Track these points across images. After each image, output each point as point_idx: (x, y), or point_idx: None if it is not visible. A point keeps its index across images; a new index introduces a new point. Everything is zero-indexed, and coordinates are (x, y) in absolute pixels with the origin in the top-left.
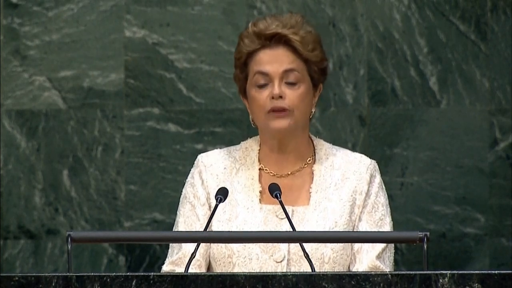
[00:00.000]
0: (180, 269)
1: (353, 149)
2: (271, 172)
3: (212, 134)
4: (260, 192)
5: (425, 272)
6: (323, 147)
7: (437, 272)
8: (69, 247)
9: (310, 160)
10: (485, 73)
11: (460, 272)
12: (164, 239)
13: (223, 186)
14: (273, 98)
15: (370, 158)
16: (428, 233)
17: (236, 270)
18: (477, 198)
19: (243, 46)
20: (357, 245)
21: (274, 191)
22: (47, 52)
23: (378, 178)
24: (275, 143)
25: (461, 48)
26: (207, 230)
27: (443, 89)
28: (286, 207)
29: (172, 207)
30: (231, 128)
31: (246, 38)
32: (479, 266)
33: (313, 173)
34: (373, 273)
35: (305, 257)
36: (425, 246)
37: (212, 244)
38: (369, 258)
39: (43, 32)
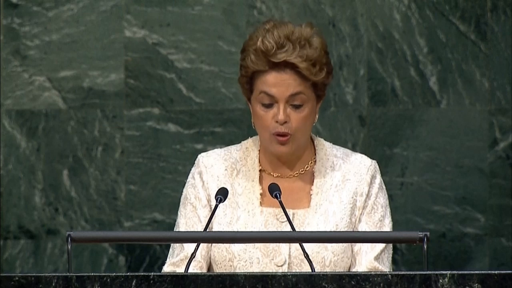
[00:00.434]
0: (181, 271)
1: (353, 149)
2: (271, 174)
3: (212, 134)
4: (261, 194)
5: (425, 272)
6: (324, 147)
7: (437, 272)
8: (69, 247)
9: (311, 162)
10: (485, 73)
11: (460, 272)
12: (164, 239)
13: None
14: (277, 122)
15: (370, 158)
16: (428, 233)
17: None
18: (477, 198)
19: (249, 62)
20: (356, 247)
21: (274, 191)
22: (47, 52)
23: (378, 179)
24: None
25: (461, 48)
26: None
27: (443, 89)
28: (287, 210)
29: (172, 207)
30: (231, 128)
31: (253, 54)
32: (479, 266)
33: (313, 175)
34: (373, 273)
35: (305, 257)
36: (425, 246)
37: (213, 247)
38: (367, 260)
39: (43, 32)
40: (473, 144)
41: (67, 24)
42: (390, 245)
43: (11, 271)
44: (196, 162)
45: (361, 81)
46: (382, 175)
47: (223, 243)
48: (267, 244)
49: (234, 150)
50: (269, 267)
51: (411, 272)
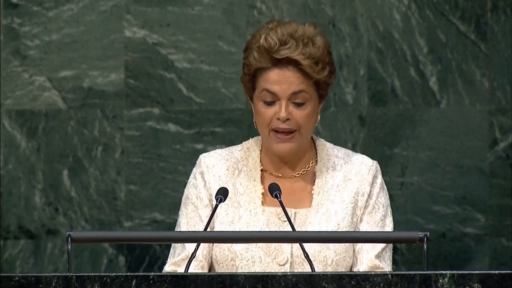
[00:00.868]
0: (182, 270)
1: (353, 149)
2: (273, 174)
3: (212, 134)
4: (262, 194)
5: (425, 272)
6: (325, 147)
7: (437, 272)
8: (69, 247)
9: (312, 162)
10: (485, 73)
11: (460, 272)
12: (164, 239)
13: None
14: (278, 119)
15: (370, 158)
16: (428, 233)
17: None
18: (477, 198)
19: (252, 60)
20: (358, 246)
21: (274, 191)
22: (47, 52)
23: (379, 179)
24: (276, 157)
25: (461, 48)
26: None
27: (443, 89)
28: (288, 209)
29: (172, 207)
30: (231, 128)
31: (256, 51)
32: (479, 266)
33: (315, 175)
34: (373, 273)
35: (305, 257)
36: (425, 246)
37: (215, 246)
38: (368, 258)
39: (43, 32)
40: (473, 144)
41: (67, 24)
42: (391, 244)
43: (11, 271)
44: (197, 162)
45: (361, 81)
46: (382, 175)
47: (223, 243)
48: (269, 243)
49: (235, 150)
50: (271, 266)
51: (411, 272)
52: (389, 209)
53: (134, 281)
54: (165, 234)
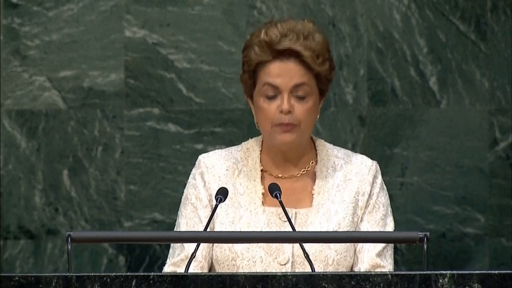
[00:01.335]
0: (182, 271)
1: (353, 149)
2: (273, 174)
3: (212, 134)
4: (263, 194)
5: (425, 272)
6: (325, 148)
7: (437, 272)
8: (69, 247)
9: (312, 162)
10: (485, 73)
11: (460, 272)
12: (164, 239)
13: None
14: (281, 112)
15: (370, 158)
16: (428, 233)
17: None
18: (477, 198)
19: (253, 54)
20: (359, 246)
21: (274, 191)
22: (47, 52)
23: (379, 179)
24: (278, 152)
25: (461, 48)
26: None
27: (443, 89)
28: (289, 209)
29: (172, 207)
30: (231, 128)
31: (257, 46)
32: (479, 266)
33: (315, 175)
34: (373, 273)
35: (305, 257)
36: (425, 246)
37: (215, 246)
38: (369, 257)
39: (43, 32)
40: (473, 144)
41: (67, 24)
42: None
43: (11, 271)
44: (197, 163)
45: (361, 81)
46: (382, 175)
47: (223, 243)
48: (270, 243)
49: (235, 151)
50: (272, 266)
51: (411, 272)
52: (390, 209)
53: (134, 281)
54: (165, 234)
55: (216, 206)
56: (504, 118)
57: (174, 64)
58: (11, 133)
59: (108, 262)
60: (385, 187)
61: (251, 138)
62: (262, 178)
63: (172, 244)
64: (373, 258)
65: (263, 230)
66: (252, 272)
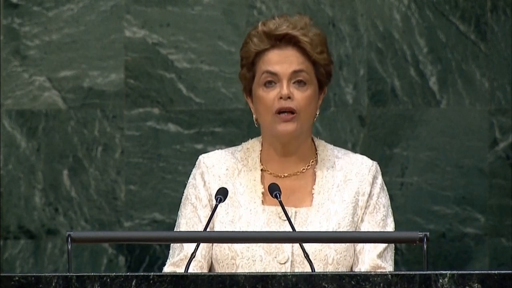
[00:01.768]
0: (182, 271)
1: (353, 149)
2: (273, 173)
3: (212, 134)
4: (263, 193)
5: (425, 272)
6: (325, 148)
7: (437, 272)
8: (69, 247)
9: (312, 161)
10: (485, 73)
11: (460, 272)
12: (164, 239)
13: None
14: (281, 98)
15: (370, 158)
16: (428, 233)
17: (240, 272)
18: (477, 198)
19: (252, 45)
20: (359, 246)
21: (273, 191)
22: (47, 52)
23: (380, 180)
24: (279, 146)
25: (461, 48)
26: (209, 230)
27: (443, 89)
28: (289, 208)
29: (172, 207)
30: (231, 128)
31: (255, 37)
32: (479, 266)
33: (315, 175)
34: (373, 273)
35: (305, 257)
36: (425, 246)
37: (215, 246)
38: (370, 258)
39: (43, 32)
40: (473, 144)
41: (67, 24)
42: (392, 244)
43: (11, 271)
44: (197, 163)
45: (361, 81)
46: (382, 175)
47: (223, 243)
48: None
49: (235, 151)
50: (272, 265)
51: (411, 272)
52: (390, 209)
53: (134, 281)
54: (165, 234)
55: (216, 206)
56: (504, 118)
57: (174, 64)
58: (11, 133)
59: (108, 262)
60: (385, 187)
61: (251, 139)
62: (262, 177)
63: (172, 244)
64: (373, 259)
65: (263, 229)
66: (252, 272)
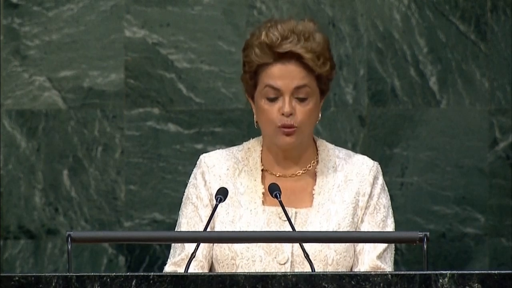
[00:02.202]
0: (182, 270)
1: (353, 149)
2: (274, 174)
3: (212, 134)
4: (263, 193)
5: (425, 272)
6: (326, 148)
7: (437, 272)
8: (69, 247)
9: (313, 162)
10: (485, 73)
11: (460, 272)
12: (164, 239)
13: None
14: (283, 114)
15: (370, 158)
16: (428, 233)
17: (240, 271)
18: (477, 198)
19: (254, 56)
20: (359, 247)
21: (273, 191)
22: (47, 52)
23: (380, 180)
24: (279, 151)
25: (461, 48)
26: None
27: (443, 89)
28: (289, 209)
29: (172, 207)
30: (231, 128)
31: (258, 47)
32: (479, 266)
33: (316, 175)
34: (373, 273)
35: (305, 257)
36: (425, 246)
37: (215, 246)
38: (370, 259)
39: (43, 32)
40: (473, 144)
41: (67, 24)
42: (393, 245)
43: (11, 271)
44: (198, 162)
45: (361, 81)
46: (382, 175)
47: (223, 243)
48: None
49: (236, 151)
50: (272, 265)
51: (411, 272)
52: (390, 210)
53: (134, 281)
54: (165, 234)
55: (216, 206)
56: (504, 118)
57: (174, 64)
58: (11, 133)
59: (108, 262)
60: (386, 188)
61: (252, 138)
62: (262, 177)
63: (172, 244)
64: (373, 260)
65: (263, 229)
66: (252, 272)
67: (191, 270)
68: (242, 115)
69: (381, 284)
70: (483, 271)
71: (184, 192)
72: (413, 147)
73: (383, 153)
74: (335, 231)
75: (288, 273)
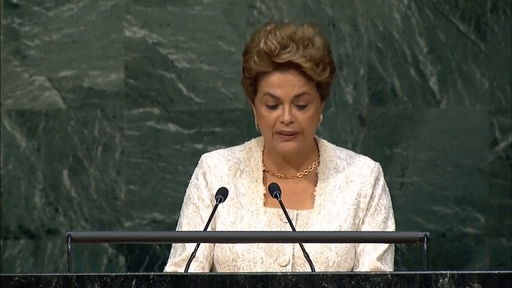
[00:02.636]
0: (183, 271)
1: (353, 149)
2: (275, 175)
3: (212, 134)
4: (264, 195)
5: (425, 272)
6: (327, 148)
7: (437, 272)
8: (69, 247)
9: (314, 163)
10: (485, 73)
11: (460, 272)
12: (164, 239)
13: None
14: (282, 122)
15: (371, 158)
16: (428, 233)
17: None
18: (477, 198)
19: (253, 64)
20: (359, 248)
21: (273, 191)
22: (47, 52)
23: (382, 181)
24: (280, 156)
25: (461, 48)
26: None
27: (443, 89)
28: (290, 210)
29: (172, 207)
30: (231, 128)
31: (256, 56)
32: (479, 266)
33: (317, 176)
34: (373, 273)
35: (305, 257)
36: (425, 246)
37: (216, 247)
38: (370, 260)
39: (43, 32)
40: (473, 144)
41: (67, 24)
42: (393, 246)
43: (11, 271)
44: (199, 162)
45: (361, 81)
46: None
47: (223, 243)
48: (271, 244)
49: (237, 151)
50: (273, 267)
51: (411, 272)
52: (391, 211)
53: (134, 281)
54: (165, 234)
55: (216, 206)
56: (504, 118)
57: (174, 64)
58: (11, 133)
59: (108, 262)
60: (387, 189)
61: (254, 138)
62: (264, 178)
63: (173, 244)
64: (373, 262)
65: (262, 231)
66: (252, 272)
67: (191, 270)
68: (242, 115)
69: (381, 284)
70: (483, 271)
71: (185, 192)
72: (413, 147)
73: (383, 153)
74: (336, 231)
75: (288, 273)
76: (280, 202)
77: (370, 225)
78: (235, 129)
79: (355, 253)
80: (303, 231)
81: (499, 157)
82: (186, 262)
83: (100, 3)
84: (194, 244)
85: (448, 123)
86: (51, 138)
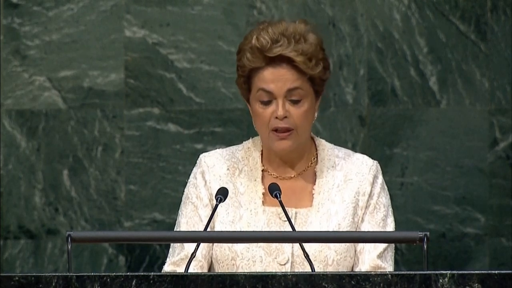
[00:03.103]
0: (182, 270)
1: (353, 149)
2: (274, 174)
3: (212, 134)
4: (263, 194)
5: (425, 272)
6: (325, 147)
7: (437, 272)
8: (69, 247)
9: (312, 162)
10: (485, 73)
11: (460, 272)
12: (164, 239)
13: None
14: (276, 118)
15: (371, 158)
16: (428, 233)
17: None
18: (477, 198)
19: (246, 61)
20: (359, 246)
21: (273, 191)
22: (47, 52)
23: (380, 179)
24: (277, 155)
25: (461, 48)
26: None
27: (443, 89)
28: (289, 209)
29: (172, 207)
30: (231, 128)
31: (249, 52)
32: (479, 266)
33: (315, 175)
34: (373, 273)
35: (305, 256)
36: (425, 246)
37: (215, 246)
38: (370, 258)
39: (43, 32)
40: (473, 144)
41: (67, 24)
42: (393, 244)
43: (11, 271)
44: (198, 162)
45: (361, 81)
46: (382, 175)
47: (223, 242)
48: (270, 243)
49: (236, 150)
50: (272, 266)
51: (411, 272)
52: (390, 209)
53: (134, 281)
54: (165, 234)
55: (216, 206)
56: (504, 118)
57: (174, 64)
58: (11, 133)
59: (108, 262)
60: (386, 187)
61: (252, 138)
62: (263, 177)
63: (172, 244)
64: (374, 260)
65: (263, 230)
66: (252, 272)
67: (190, 270)
68: (242, 115)
69: (381, 284)
70: (483, 271)
71: (183, 191)
72: (413, 147)
73: (383, 153)
74: (335, 231)
75: (288, 273)
76: (280, 202)
77: (369, 223)
78: (235, 129)
79: (355, 251)
80: (303, 231)
81: (499, 157)
82: (185, 261)
83: (100, 3)
84: (193, 244)
85: (448, 123)
86: (51, 138)
